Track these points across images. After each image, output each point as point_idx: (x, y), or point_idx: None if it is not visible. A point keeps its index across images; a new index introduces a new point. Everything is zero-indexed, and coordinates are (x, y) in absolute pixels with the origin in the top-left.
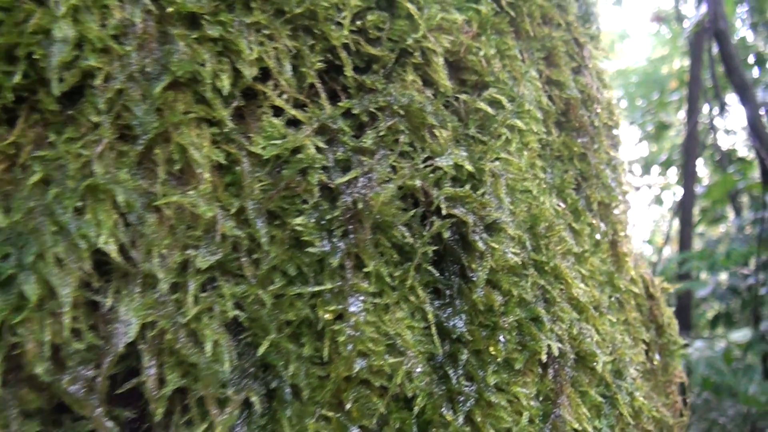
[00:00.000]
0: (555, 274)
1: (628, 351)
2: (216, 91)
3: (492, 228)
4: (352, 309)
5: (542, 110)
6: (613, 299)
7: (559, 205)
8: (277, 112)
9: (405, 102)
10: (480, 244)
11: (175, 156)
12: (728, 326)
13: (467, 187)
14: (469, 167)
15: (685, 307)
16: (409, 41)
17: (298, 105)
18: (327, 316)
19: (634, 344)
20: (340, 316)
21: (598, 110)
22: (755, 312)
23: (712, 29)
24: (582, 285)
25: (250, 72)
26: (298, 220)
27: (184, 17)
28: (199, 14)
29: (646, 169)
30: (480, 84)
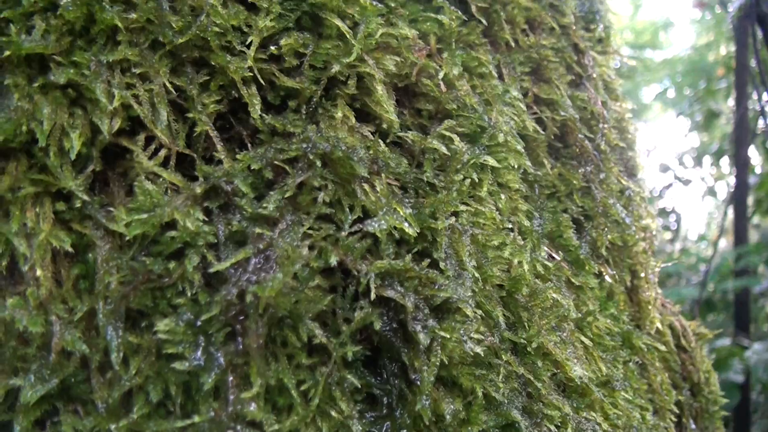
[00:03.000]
0: (541, 354)
1: None
2: (63, 154)
3: (442, 310)
4: None
5: (526, 139)
6: (631, 364)
7: (551, 257)
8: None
9: (325, 148)
10: (422, 336)
11: None
12: None
13: (408, 257)
14: (409, 231)
15: (743, 305)
16: (338, 67)
17: (185, 161)
18: None
19: (659, 419)
20: None
21: (605, 130)
22: None
23: (755, 13)
24: (579, 366)
25: (109, 125)
26: (163, 323)
27: (26, 61)
28: (47, 55)
29: (698, 161)
30: (440, 113)
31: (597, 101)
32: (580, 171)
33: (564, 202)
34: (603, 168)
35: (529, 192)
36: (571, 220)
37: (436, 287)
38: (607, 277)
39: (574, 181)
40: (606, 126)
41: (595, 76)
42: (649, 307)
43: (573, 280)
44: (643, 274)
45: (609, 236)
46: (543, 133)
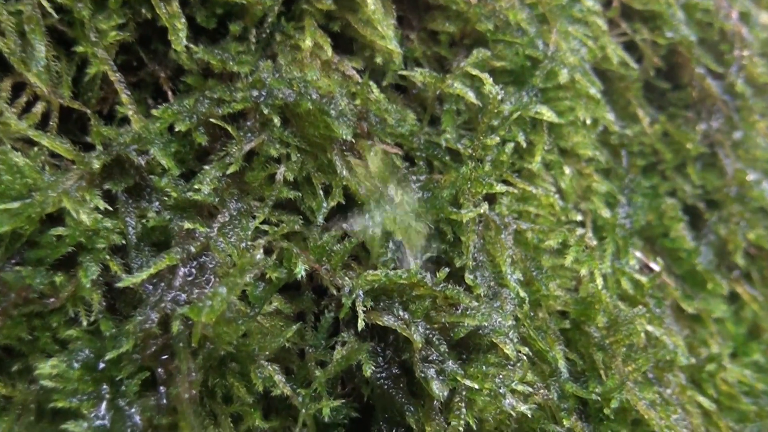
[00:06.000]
0: (627, 422)
1: None
2: None
3: (469, 346)
4: None
5: (608, 77)
6: None
7: (647, 268)
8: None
9: (286, 97)
10: (437, 386)
11: None
12: None
13: (416, 265)
14: (417, 225)
15: None
16: None
17: (73, 120)
18: None
19: None
20: None
21: (744, 60)
22: None
23: None
24: None
25: None
26: (48, 365)
27: None
28: None
29: None
30: (466, 37)
31: (730, 12)
32: (699, 128)
33: (671, 178)
34: (739, 123)
35: (612, 163)
36: (681, 208)
37: (459, 312)
38: (746, 301)
39: (689, 145)
40: (746, 53)
41: None
42: None
43: (684, 306)
44: None
45: (750, 235)
46: (636, 66)
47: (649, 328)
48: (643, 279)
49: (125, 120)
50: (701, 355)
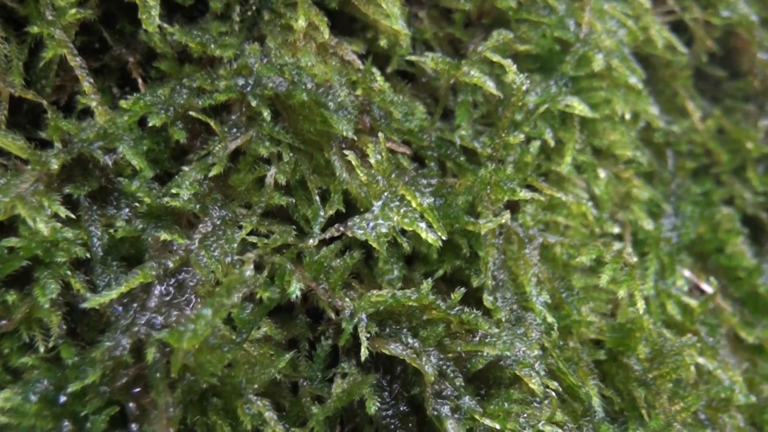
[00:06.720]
0: None
1: None
2: None
3: (488, 380)
4: None
5: (652, 63)
6: None
7: (698, 290)
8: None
9: (277, 86)
10: (452, 426)
11: None
12: None
13: (428, 285)
14: (429, 237)
15: None
16: None
17: (25, 112)
18: None
19: None
20: None
21: None
22: None
23: None
24: None
25: None
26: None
27: None
28: None
29: None
30: (485, 16)
31: None
32: (761, 124)
33: (727, 183)
34: None
35: (656, 165)
36: (740, 219)
37: (477, 339)
38: None
39: (749, 144)
40: None
41: None
42: None
43: (743, 334)
44: None
45: None
46: (686, 51)
47: (701, 360)
48: (693, 302)
49: (87, 112)
50: (763, 393)
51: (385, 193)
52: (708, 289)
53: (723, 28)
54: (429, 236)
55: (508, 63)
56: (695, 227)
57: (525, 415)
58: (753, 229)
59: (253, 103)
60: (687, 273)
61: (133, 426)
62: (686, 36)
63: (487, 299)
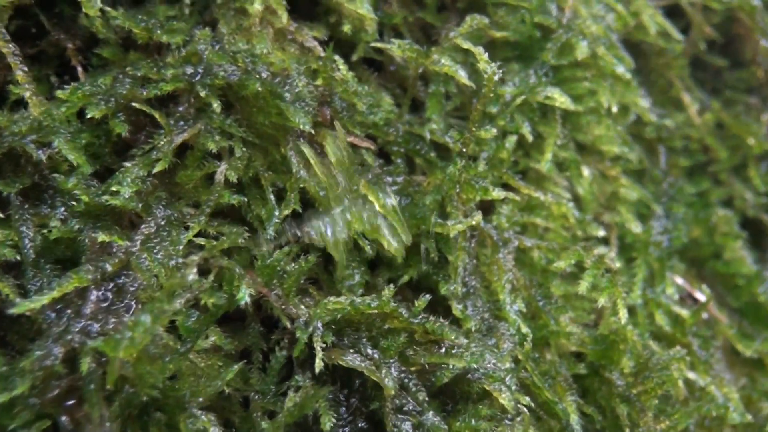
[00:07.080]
0: None
1: None
2: None
3: (455, 395)
4: None
5: (643, 51)
6: None
7: (690, 299)
8: None
9: (229, 75)
10: None
11: None
12: None
13: (389, 291)
14: (392, 241)
15: None
16: None
17: None
18: None
19: None
20: None
21: None
22: None
23: None
24: None
25: None
26: None
27: None
28: None
29: None
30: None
31: None
32: (764, 118)
33: (726, 183)
34: None
35: (646, 163)
36: (739, 221)
37: (443, 351)
38: None
39: (751, 140)
40: None
41: None
42: None
43: (741, 348)
44: None
45: None
46: (681, 38)
47: (691, 375)
48: (685, 312)
49: (20, 103)
50: (762, 412)
51: (344, 195)
52: (701, 297)
53: (723, 13)
54: (392, 246)
55: (479, 50)
56: (688, 230)
57: None
58: (753, 232)
59: (203, 94)
60: (679, 280)
61: None
62: (682, 22)
63: (456, 307)
